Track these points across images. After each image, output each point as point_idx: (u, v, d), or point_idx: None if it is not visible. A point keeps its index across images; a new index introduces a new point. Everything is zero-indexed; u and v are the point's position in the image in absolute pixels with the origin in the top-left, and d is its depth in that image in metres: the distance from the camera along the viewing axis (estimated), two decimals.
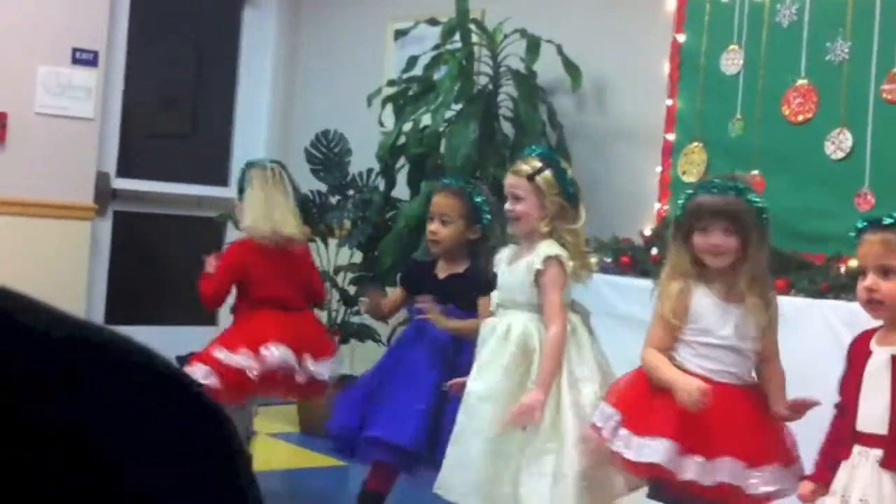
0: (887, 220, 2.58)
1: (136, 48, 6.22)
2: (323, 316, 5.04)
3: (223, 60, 6.72)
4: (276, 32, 6.77)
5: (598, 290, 4.32)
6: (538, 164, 3.08)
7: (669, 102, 4.66)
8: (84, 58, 5.87)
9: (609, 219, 4.83)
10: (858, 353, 2.65)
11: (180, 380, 0.56)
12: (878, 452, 2.54)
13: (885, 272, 2.55)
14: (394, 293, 3.79)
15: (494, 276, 3.16)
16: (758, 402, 2.88)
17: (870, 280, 2.56)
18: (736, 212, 2.83)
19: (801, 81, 4.22)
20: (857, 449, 2.58)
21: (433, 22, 5.15)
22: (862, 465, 2.56)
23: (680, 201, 2.99)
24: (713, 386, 2.77)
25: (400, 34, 5.28)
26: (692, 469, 2.73)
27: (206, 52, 6.76)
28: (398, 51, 5.72)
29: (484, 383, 3.01)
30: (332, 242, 5.36)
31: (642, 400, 2.89)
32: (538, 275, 3.01)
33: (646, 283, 4.21)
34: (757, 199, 2.88)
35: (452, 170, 4.75)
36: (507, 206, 3.09)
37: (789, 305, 3.71)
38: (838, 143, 4.09)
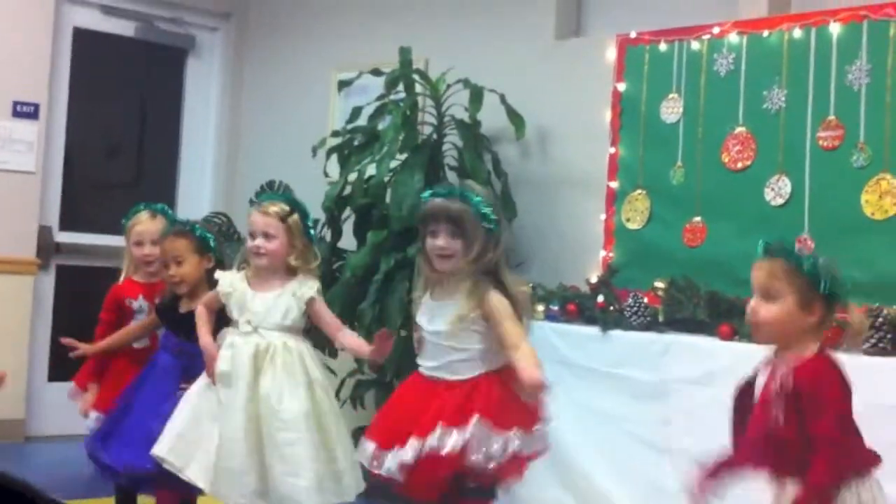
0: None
1: (78, 100, 6.18)
2: None
3: (167, 111, 6.69)
4: (220, 83, 6.77)
5: (546, 337, 4.33)
6: (287, 208, 3.40)
7: (612, 150, 4.71)
8: (25, 111, 5.83)
9: (555, 266, 4.86)
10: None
11: None
12: None
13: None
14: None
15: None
16: (473, 388, 2.97)
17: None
18: (459, 214, 2.99)
19: (739, 129, 4.29)
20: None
21: (377, 72, 5.18)
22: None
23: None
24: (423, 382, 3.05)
25: (344, 84, 5.30)
26: (388, 461, 2.95)
27: (150, 103, 6.73)
28: (342, 101, 5.74)
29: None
30: None
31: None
32: (309, 304, 3.42)
33: (592, 331, 4.25)
34: (480, 202, 3.02)
35: (398, 220, 4.75)
36: (258, 242, 3.36)
37: (732, 352, 3.75)
38: (777, 190, 4.16)
